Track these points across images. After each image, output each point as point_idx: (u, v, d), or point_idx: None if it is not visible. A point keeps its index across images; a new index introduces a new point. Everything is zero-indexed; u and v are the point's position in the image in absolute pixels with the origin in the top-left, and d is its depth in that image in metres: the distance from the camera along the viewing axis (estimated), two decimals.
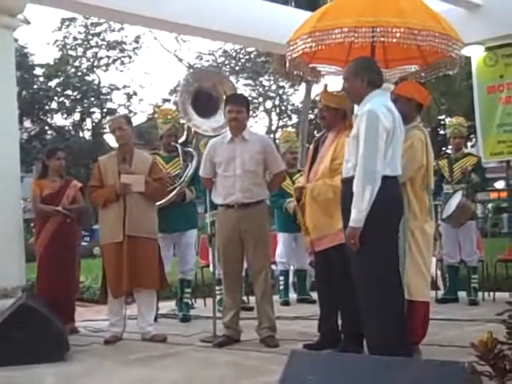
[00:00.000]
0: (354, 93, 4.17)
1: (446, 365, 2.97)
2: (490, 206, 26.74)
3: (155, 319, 5.90)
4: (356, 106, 4.38)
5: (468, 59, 8.37)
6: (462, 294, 7.39)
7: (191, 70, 18.17)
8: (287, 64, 5.01)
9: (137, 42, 32.28)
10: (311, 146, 5.11)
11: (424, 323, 4.42)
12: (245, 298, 6.93)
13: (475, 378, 2.78)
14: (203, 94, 5.89)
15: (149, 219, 5.45)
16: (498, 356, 2.64)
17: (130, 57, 32.58)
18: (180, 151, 6.47)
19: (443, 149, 19.58)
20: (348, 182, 3.98)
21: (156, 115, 7.24)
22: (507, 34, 7.89)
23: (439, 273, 8.21)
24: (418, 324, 4.31)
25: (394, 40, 4.45)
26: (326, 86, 4.95)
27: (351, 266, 4.04)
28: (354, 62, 4.28)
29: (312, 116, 24.24)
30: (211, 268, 5.83)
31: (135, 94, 32.81)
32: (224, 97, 5.77)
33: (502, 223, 23.40)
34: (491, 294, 7.56)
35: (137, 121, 29.80)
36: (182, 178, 6.31)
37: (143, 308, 5.47)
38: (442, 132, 24.22)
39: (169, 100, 32.21)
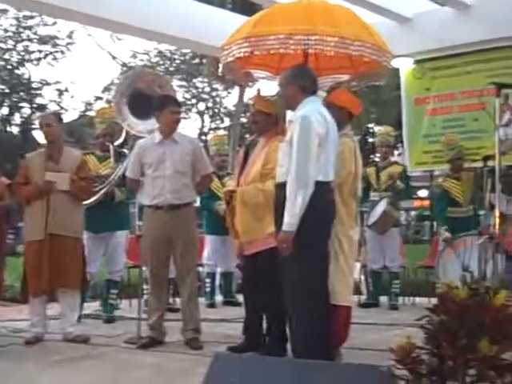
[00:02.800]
0: (289, 99, 4.21)
1: (365, 368, 3.03)
2: (413, 213, 27.40)
3: (79, 319, 5.79)
4: (290, 112, 4.41)
5: (397, 70, 8.56)
6: (383, 299, 7.54)
7: (134, 69, 17.86)
8: (220, 68, 5.00)
9: (70, 37, 31.66)
10: (242, 150, 5.12)
11: (346, 327, 4.48)
12: (171, 299, 6.88)
13: (393, 382, 2.83)
14: (141, 94, 5.80)
15: (73, 218, 5.34)
16: (415, 360, 2.70)
17: (62, 52, 31.91)
18: (112, 151, 6.39)
19: (371, 156, 19.94)
20: (282, 187, 3.99)
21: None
22: (435, 48, 8.10)
23: (363, 278, 8.35)
24: (340, 328, 4.35)
25: (329, 48, 4.47)
26: (259, 90, 4.97)
27: (281, 270, 4.05)
28: (289, 69, 4.32)
29: (244, 119, 24.29)
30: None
31: (67, 90, 32.15)
32: None
33: (424, 230, 24.07)
34: (411, 298, 7.74)
35: (68, 118, 29.24)
36: (111, 178, 6.21)
37: (65, 308, 5.35)
38: (370, 140, 24.66)
39: (101, 98, 31.73)
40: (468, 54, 8.41)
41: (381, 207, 7.06)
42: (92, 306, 6.85)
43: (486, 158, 5.81)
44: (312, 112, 3.99)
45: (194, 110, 32.82)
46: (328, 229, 4.12)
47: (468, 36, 7.66)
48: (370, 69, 5.04)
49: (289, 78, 4.18)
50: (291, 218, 3.84)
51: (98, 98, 32.07)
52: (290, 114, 4.52)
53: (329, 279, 4.18)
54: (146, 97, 5.66)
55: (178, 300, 6.28)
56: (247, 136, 23.41)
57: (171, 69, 30.50)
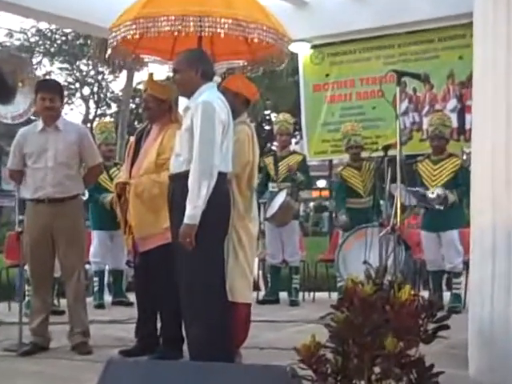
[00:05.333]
0: (187, 85, 4.12)
1: (268, 369, 3.03)
2: (311, 204, 27.87)
3: None
4: (184, 99, 4.34)
5: (294, 55, 8.65)
6: (282, 294, 7.61)
7: None
8: (108, 51, 4.87)
9: None
10: (132, 139, 5.01)
11: (245, 326, 4.48)
12: (55, 300, 6.68)
13: (297, 382, 2.85)
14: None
15: None
16: (320, 360, 2.73)
17: None
18: None
19: (268, 144, 20.14)
20: (179, 178, 3.93)
21: None
22: (333, 33, 8.20)
23: (261, 273, 8.41)
24: (240, 327, 4.35)
25: (222, 31, 4.45)
26: (151, 74, 4.86)
27: (177, 267, 4.00)
28: (185, 53, 4.25)
29: (133, 105, 23.88)
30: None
31: None
32: (20, 84, 5.53)
33: (323, 222, 24.54)
34: (311, 294, 7.86)
35: None
36: None
37: None
38: (267, 127, 24.86)
39: None
40: (366, 40, 8.59)
41: (280, 199, 7.10)
42: None
43: (387, 148, 5.95)
44: (214, 98, 3.95)
45: (78, 94, 31.96)
46: (227, 222, 4.10)
47: (364, 22, 7.81)
48: (269, 53, 5.05)
49: (188, 63, 4.10)
50: (194, 209, 3.77)
51: None
52: (184, 101, 4.46)
53: (227, 275, 4.18)
54: (2, 80, 5.49)
55: (63, 301, 6.10)
56: (136, 123, 23.07)
57: (52, 50, 29.54)
